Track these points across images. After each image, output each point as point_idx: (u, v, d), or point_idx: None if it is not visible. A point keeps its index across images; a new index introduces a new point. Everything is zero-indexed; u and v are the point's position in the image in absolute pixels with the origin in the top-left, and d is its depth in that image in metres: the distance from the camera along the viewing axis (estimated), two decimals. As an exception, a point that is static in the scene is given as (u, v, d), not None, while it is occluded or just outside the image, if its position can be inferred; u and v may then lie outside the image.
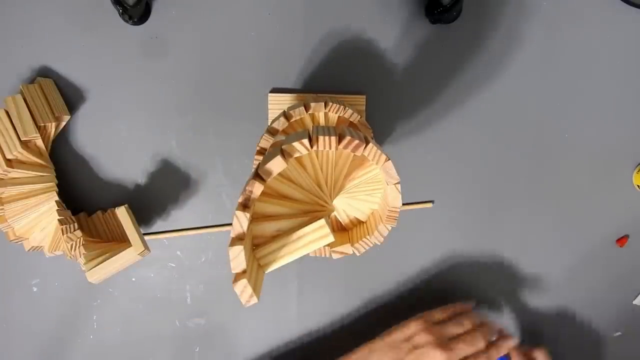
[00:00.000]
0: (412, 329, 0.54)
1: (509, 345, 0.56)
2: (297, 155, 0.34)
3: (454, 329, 0.54)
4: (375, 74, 0.56)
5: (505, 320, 0.64)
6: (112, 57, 0.54)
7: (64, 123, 0.54)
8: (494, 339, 0.56)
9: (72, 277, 0.58)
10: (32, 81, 0.53)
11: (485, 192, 0.59)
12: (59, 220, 0.49)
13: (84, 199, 0.56)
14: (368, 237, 0.42)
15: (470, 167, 0.59)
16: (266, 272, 0.36)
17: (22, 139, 0.48)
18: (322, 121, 0.50)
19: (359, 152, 0.35)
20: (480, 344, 0.53)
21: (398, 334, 0.54)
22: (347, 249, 0.42)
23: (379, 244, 0.42)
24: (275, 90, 0.55)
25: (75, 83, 0.54)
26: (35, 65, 0.53)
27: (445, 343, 0.52)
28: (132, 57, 0.54)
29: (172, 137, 0.56)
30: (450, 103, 0.57)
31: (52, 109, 0.51)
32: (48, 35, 0.53)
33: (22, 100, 0.49)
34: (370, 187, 0.43)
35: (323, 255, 0.42)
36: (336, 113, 0.48)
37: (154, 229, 0.58)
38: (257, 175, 0.34)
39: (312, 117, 0.49)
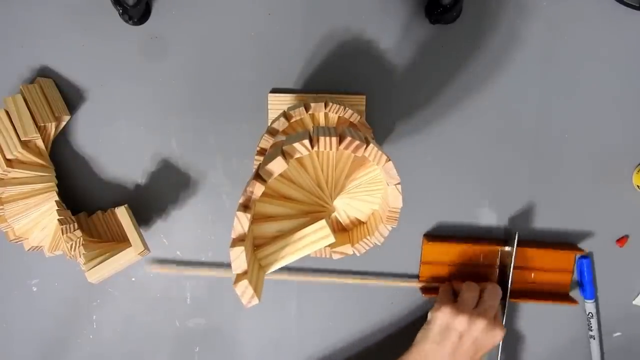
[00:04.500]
0: (444, 319, 0.54)
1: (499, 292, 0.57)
2: (297, 155, 0.34)
3: (472, 296, 0.55)
4: (375, 74, 0.56)
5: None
6: (112, 57, 0.54)
7: (64, 123, 0.54)
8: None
9: (72, 277, 0.58)
10: (32, 81, 0.53)
11: (486, 192, 0.60)
12: (58, 220, 0.49)
13: (84, 199, 0.56)
14: (368, 237, 0.42)
15: (470, 167, 0.59)
16: (267, 273, 0.36)
17: (22, 139, 0.48)
18: (322, 121, 0.50)
19: (359, 153, 0.35)
20: (500, 292, 0.56)
21: (434, 331, 0.54)
22: (347, 249, 0.42)
23: (379, 244, 0.42)
24: (275, 90, 0.55)
25: (75, 83, 0.54)
26: (35, 65, 0.53)
27: (479, 312, 0.54)
28: (132, 57, 0.54)
29: (172, 137, 0.56)
30: (450, 103, 0.57)
31: (52, 109, 0.51)
32: (48, 35, 0.53)
33: (22, 100, 0.49)
34: (371, 188, 0.43)
35: (324, 256, 0.42)
36: (336, 113, 0.48)
37: (153, 229, 0.58)
38: (258, 176, 0.34)
39: (312, 117, 0.49)
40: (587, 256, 0.62)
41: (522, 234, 0.59)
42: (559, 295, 0.61)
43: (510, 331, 0.62)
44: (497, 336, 0.54)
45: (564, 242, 0.61)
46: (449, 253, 0.59)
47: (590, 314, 0.62)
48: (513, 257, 0.57)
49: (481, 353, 0.54)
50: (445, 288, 0.58)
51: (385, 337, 0.62)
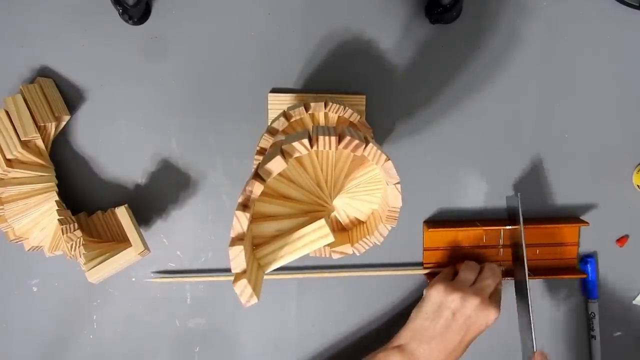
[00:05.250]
0: (437, 297, 0.54)
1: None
2: (297, 155, 0.34)
3: (469, 275, 0.55)
4: (375, 74, 0.56)
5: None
6: (112, 57, 0.54)
7: (64, 123, 0.54)
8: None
9: (72, 277, 0.58)
10: (32, 81, 0.53)
11: (485, 191, 0.59)
12: (59, 220, 0.49)
13: (84, 199, 0.56)
14: (368, 237, 0.42)
15: (470, 167, 0.59)
16: (266, 272, 0.36)
17: (22, 139, 0.48)
18: (322, 121, 0.50)
19: (358, 152, 0.35)
20: (499, 272, 0.56)
21: (427, 308, 0.54)
22: (347, 249, 0.42)
23: (379, 244, 0.42)
24: (275, 90, 0.55)
25: (75, 83, 0.54)
26: (35, 65, 0.53)
27: (473, 291, 0.53)
28: (132, 57, 0.54)
29: (172, 137, 0.56)
30: (450, 103, 0.57)
31: (52, 109, 0.51)
32: (48, 35, 0.53)
33: (22, 100, 0.49)
34: (370, 187, 0.43)
35: (323, 256, 0.42)
36: (336, 113, 0.48)
37: (153, 229, 0.58)
38: (257, 175, 0.34)
39: (312, 117, 0.49)
40: (592, 256, 0.61)
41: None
42: (567, 269, 0.61)
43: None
44: (490, 316, 0.53)
45: (567, 216, 0.61)
46: (451, 237, 0.59)
47: (593, 314, 0.62)
48: (522, 237, 0.57)
49: (473, 334, 0.53)
50: (446, 270, 0.58)
51: (391, 328, 0.61)
